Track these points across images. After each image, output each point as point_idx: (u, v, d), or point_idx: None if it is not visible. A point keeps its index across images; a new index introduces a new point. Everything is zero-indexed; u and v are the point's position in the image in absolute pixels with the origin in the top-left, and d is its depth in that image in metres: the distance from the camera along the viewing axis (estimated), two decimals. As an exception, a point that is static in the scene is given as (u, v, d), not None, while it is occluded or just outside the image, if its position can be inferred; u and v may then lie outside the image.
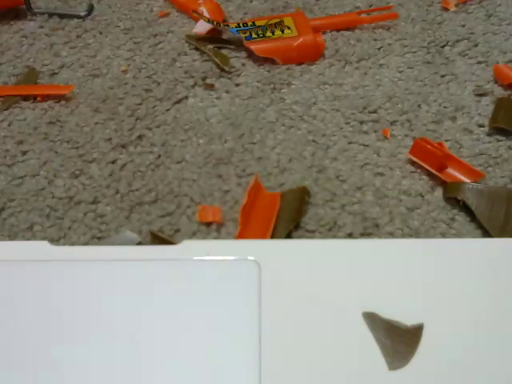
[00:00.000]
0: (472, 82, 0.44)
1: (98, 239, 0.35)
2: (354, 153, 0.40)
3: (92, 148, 0.40)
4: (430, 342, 0.29)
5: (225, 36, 0.48)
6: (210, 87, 0.44)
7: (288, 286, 0.31)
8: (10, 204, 0.37)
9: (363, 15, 0.49)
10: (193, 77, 0.45)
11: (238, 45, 0.47)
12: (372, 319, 0.30)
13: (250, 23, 0.47)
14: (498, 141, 0.40)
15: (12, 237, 0.36)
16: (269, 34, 0.46)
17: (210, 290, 0.30)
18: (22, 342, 0.29)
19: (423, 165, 0.38)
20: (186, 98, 0.44)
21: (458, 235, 0.36)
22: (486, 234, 0.35)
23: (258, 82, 0.44)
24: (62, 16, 0.50)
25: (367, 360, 0.29)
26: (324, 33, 0.48)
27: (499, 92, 0.44)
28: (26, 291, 0.31)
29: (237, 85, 0.44)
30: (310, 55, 0.46)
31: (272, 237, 0.35)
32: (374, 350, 0.29)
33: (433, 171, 0.38)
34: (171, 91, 0.44)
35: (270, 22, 0.47)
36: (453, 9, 0.50)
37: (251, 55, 0.46)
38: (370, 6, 0.51)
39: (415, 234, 0.36)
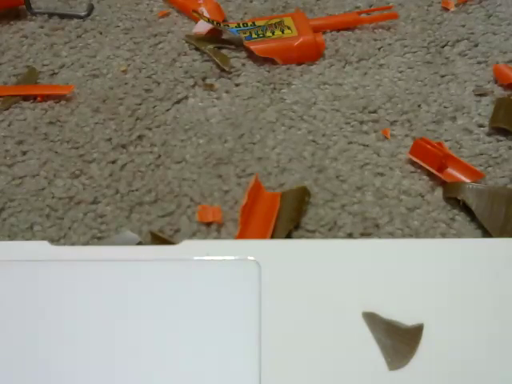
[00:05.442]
0: (472, 82, 0.44)
1: (98, 239, 0.35)
2: (354, 153, 0.40)
3: (92, 148, 0.40)
4: (430, 342, 0.29)
5: (225, 36, 0.48)
6: (210, 87, 0.44)
7: (288, 285, 0.31)
8: (10, 204, 0.37)
9: (363, 15, 0.49)
10: (193, 77, 0.45)
11: (237, 45, 0.47)
12: (372, 319, 0.30)
13: (249, 23, 0.47)
14: (498, 141, 0.40)
15: (12, 237, 0.36)
16: (269, 34, 0.46)
17: (210, 289, 0.30)
18: (22, 341, 0.29)
19: (423, 165, 0.38)
20: (186, 98, 0.44)
21: (458, 235, 0.36)
22: (486, 233, 0.35)
23: (258, 82, 0.44)
24: (62, 16, 0.50)
25: (367, 360, 0.29)
26: (324, 33, 0.48)
27: (499, 92, 0.44)
28: (26, 291, 0.31)
29: (237, 85, 0.44)
30: (310, 55, 0.46)
31: (272, 237, 0.35)
32: (374, 349, 0.29)
33: (433, 171, 0.38)
34: (171, 91, 0.44)
35: (269, 22, 0.47)
36: (453, 9, 0.50)
37: (251, 55, 0.46)
38: (370, 6, 0.51)
39: (415, 234, 0.36)
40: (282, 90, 0.44)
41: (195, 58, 0.46)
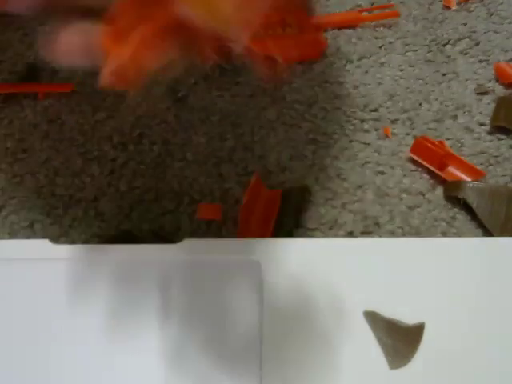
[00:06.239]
0: (473, 81, 0.44)
1: (99, 237, 0.35)
2: (355, 151, 0.40)
3: (92, 146, 0.40)
4: (431, 341, 0.29)
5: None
6: (211, 85, 0.44)
7: (289, 284, 0.31)
8: (11, 202, 0.37)
9: (365, 13, 0.49)
10: (193, 75, 0.45)
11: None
12: (373, 318, 0.30)
13: (250, 21, 0.47)
14: (499, 139, 0.40)
15: (12, 234, 0.36)
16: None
17: (211, 288, 0.30)
18: (23, 340, 0.29)
19: (424, 163, 0.38)
20: (187, 96, 0.44)
21: (459, 234, 0.35)
22: (487, 232, 0.35)
23: (259, 80, 0.44)
24: (62, 14, 0.50)
25: (368, 359, 0.29)
26: (325, 31, 0.48)
27: (500, 91, 0.43)
28: (25, 290, 0.31)
29: (237, 83, 0.44)
30: (312, 53, 0.46)
31: (273, 235, 0.35)
32: (375, 348, 0.29)
33: (434, 170, 0.38)
34: (172, 89, 0.44)
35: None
36: (454, 7, 0.50)
37: (252, 53, 0.46)
38: (372, 4, 0.50)
39: (416, 232, 0.36)
40: (283, 89, 0.44)
41: (196, 56, 0.46)
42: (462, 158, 0.39)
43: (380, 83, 0.44)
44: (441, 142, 0.39)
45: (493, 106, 0.42)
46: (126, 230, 0.36)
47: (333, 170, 0.39)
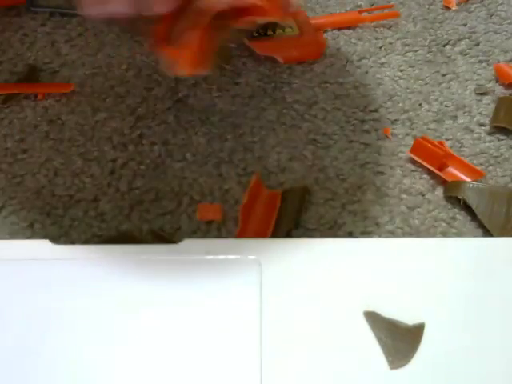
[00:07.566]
0: (473, 81, 0.44)
1: (99, 237, 0.35)
2: (355, 152, 0.40)
3: (92, 146, 0.40)
4: (431, 341, 0.29)
5: (226, 34, 0.48)
6: (211, 86, 0.44)
7: (289, 284, 0.31)
8: (11, 202, 0.37)
9: (365, 14, 0.49)
10: (193, 75, 0.45)
11: (238, 43, 0.47)
12: (373, 318, 0.30)
13: (250, 22, 0.47)
14: (499, 140, 0.40)
15: (12, 235, 0.36)
16: (270, 32, 0.46)
17: (211, 288, 0.30)
18: (23, 341, 0.29)
19: (424, 164, 0.38)
20: (187, 96, 0.44)
21: (459, 234, 0.36)
22: (487, 233, 0.35)
23: (259, 80, 0.44)
24: (63, 14, 0.50)
25: (368, 359, 0.29)
26: (325, 31, 0.48)
27: (500, 91, 0.43)
28: (25, 290, 0.31)
29: (237, 84, 0.44)
30: (312, 54, 0.46)
31: (272, 235, 0.35)
32: (375, 349, 0.29)
33: (434, 170, 0.38)
34: (172, 90, 0.44)
35: (271, 21, 0.47)
36: (454, 8, 0.50)
37: (252, 54, 0.46)
38: (372, 4, 0.51)
39: (416, 232, 0.36)
40: (283, 89, 0.44)
41: (196, 57, 0.46)
42: (462, 158, 0.39)
43: (380, 84, 0.44)
44: (441, 143, 0.39)
45: (493, 106, 0.42)
46: (125, 230, 0.36)
47: (332, 171, 0.39)
